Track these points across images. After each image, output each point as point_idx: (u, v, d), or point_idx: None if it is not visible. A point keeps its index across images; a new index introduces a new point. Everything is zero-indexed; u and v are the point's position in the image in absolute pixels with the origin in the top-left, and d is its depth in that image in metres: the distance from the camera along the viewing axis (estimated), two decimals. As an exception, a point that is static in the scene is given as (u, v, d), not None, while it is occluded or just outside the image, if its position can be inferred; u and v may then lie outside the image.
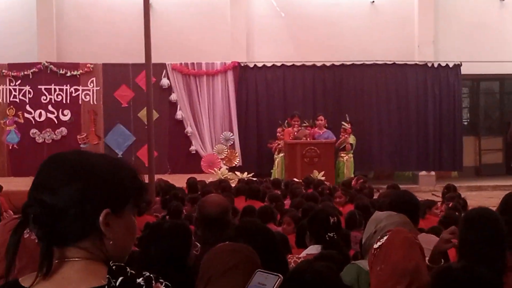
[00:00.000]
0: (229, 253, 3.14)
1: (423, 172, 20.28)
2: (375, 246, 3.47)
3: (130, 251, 2.23)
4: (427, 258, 4.44)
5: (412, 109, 20.07)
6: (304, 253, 5.23)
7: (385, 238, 3.46)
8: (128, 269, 2.07)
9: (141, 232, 7.64)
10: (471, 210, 4.70)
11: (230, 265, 3.06)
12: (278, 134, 18.53)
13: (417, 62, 20.13)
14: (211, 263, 3.15)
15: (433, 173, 20.30)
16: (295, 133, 17.77)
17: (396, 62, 19.98)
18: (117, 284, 2.02)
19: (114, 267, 2.06)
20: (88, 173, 2.08)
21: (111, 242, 2.09)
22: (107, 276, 2.03)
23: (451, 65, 19.99)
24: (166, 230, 4.21)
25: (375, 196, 11.94)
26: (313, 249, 5.17)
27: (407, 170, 20.91)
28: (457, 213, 8.57)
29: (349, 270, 4.31)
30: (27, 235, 2.14)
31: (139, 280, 2.05)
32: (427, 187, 19.44)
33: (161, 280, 2.09)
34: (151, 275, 2.06)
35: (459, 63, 19.90)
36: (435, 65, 20.06)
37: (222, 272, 3.07)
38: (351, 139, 18.05)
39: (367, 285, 4.06)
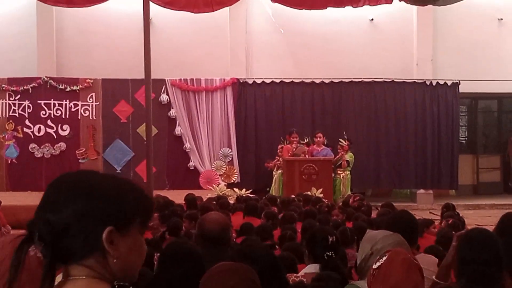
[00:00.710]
0: (228, 273, 3.15)
1: (421, 190, 20.30)
2: (374, 266, 3.49)
3: (138, 271, 2.22)
4: (433, 276, 4.48)
5: (410, 127, 20.11)
6: (302, 272, 5.24)
7: (384, 258, 3.47)
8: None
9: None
10: (470, 231, 4.73)
11: (228, 286, 3.07)
12: (278, 151, 18.52)
13: (416, 80, 20.20)
14: (210, 283, 3.15)
15: (431, 191, 20.31)
16: (294, 150, 17.78)
17: (395, 80, 20.06)
18: None
19: (116, 286, 2.08)
20: (90, 191, 2.10)
21: (115, 261, 2.09)
22: None
23: (449, 83, 20.07)
24: (182, 253, 4.19)
25: (373, 215, 11.93)
26: (312, 268, 5.19)
27: (405, 188, 20.91)
28: (453, 232, 8.57)
29: (348, 291, 4.32)
30: (33, 252, 2.17)
31: None
32: (425, 205, 19.48)
33: None
34: None
35: (458, 81, 19.99)
36: (434, 83, 20.13)
37: None
38: (348, 156, 18.01)
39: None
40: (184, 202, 12.70)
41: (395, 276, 3.34)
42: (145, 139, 13.25)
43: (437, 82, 20.14)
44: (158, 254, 4.68)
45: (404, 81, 20.14)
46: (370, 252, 4.23)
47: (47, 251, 2.05)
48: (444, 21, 20.70)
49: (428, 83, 20.15)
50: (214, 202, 12.44)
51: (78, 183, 2.14)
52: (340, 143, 18.11)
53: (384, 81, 20.04)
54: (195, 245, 4.79)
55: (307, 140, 18.28)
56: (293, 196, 14.68)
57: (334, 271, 4.93)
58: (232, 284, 3.07)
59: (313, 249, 5.29)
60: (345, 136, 18.28)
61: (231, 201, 13.67)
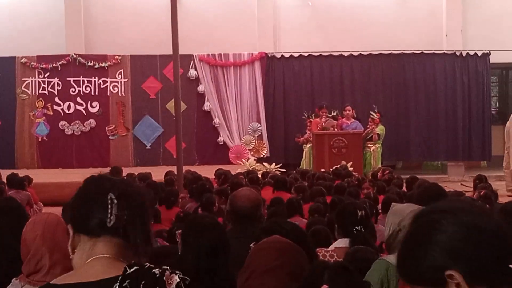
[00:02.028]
0: (276, 251, 3.13)
1: (452, 162, 20.14)
2: (403, 241, 3.46)
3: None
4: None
5: (441, 99, 19.95)
6: (332, 247, 5.23)
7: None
8: (147, 264, 2.30)
9: (171, 224, 7.68)
10: (508, 203, 4.68)
11: (275, 264, 3.05)
12: (307, 125, 18.49)
13: (445, 51, 20.00)
14: (257, 257, 3.15)
15: (462, 163, 20.15)
16: (323, 124, 17.74)
17: (424, 52, 19.88)
18: (130, 271, 2.25)
19: (133, 262, 2.30)
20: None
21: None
22: (124, 266, 2.26)
23: (479, 53, 19.86)
24: (205, 226, 4.15)
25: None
26: (342, 243, 5.18)
27: (435, 160, 20.79)
28: (487, 205, 8.50)
29: (378, 265, 4.29)
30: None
31: (155, 270, 2.27)
32: (456, 177, 19.35)
33: (177, 272, 2.30)
34: (167, 267, 2.29)
35: (488, 52, 19.77)
36: (464, 54, 19.92)
37: (265, 269, 3.06)
38: (379, 129, 17.92)
39: (396, 278, 4.06)
40: (214, 177, 12.74)
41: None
42: (174, 114, 13.23)
43: (467, 53, 19.93)
44: (180, 231, 4.65)
45: (433, 53, 19.95)
46: (398, 228, 4.20)
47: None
48: (474, -9, 20.48)
49: (458, 54, 19.94)
50: (241, 177, 12.42)
51: None
52: (371, 116, 18.01)
53: (414, 53, 19.88)
54: (215, 218, 4.78)
55: (335, 113, 18.20)
56: (323, 170, 14.69)
57: (363, 245, 4.91)
58: (278, 263, 3.06)
59: (343, 224, 5.28)
60: (375, 109, 18.18)
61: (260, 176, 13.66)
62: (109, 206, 2.33)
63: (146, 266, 2.25)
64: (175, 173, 12.39)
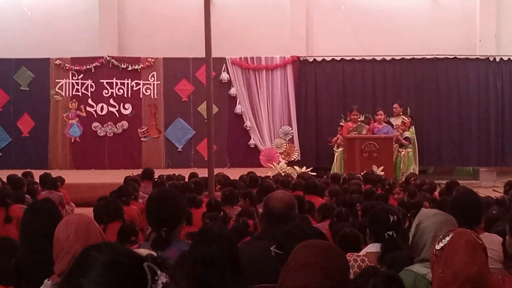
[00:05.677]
0: (316, 248, 3.17)
1: (484, 168, 19.97)
2: (437, 247, 3.45)
3: None
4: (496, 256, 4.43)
5: (473, 104, 19.80)
6: (364, 251, 5.22)
7: (447, 238, 3.43)
8: None
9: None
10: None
11: (310, 261, 3.09)
12: (338, 129, 18.45)
13: (479, 56, 19.85)
14: (297, 254, 3.18)
15: (494, 168, 19.97)
16: (353, 127, 17.73)
17: (458, 57, 19.75)
18: None
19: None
20: None
21: None
22: None
23: (513, 59, 19.73)
24: (213, 235, 4.07)
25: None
26: (373, 247, 5.16)
27: (467, 165, 20.60)
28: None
29: (405, 277, 4.26)
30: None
31: None
32: (488, 182, 19.17)
33: None
34: None
35: (522, 57, 19.63)
36: (497, 59, 19.76)
37: (301, 265, 3.10)
38: (410, 132, 17.88)
39: (425, 286, 4.06)
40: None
41: (458, 259, 3.30)
42: (205, 117, 13.26)
43: (501, 58, 19.77)
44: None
45: (467, 58, 19.82)
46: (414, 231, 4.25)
47: None
48: (508, -4, 20.33)
49: (491, 59, 19.78)
50: (269, 180, 12.40)
51: None
52: (402, 119, 17.96)
53: (447, 58, 19.76)
54: (225, 228, 4.76)
55: (362, 117, 18.13)
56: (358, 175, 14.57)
57: (395, 250, 4.90)
58: (315, 261, 3.08)
59: (375, 228, 5.26)
60: (408, 113, 18.13)
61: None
62: None
63: None
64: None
